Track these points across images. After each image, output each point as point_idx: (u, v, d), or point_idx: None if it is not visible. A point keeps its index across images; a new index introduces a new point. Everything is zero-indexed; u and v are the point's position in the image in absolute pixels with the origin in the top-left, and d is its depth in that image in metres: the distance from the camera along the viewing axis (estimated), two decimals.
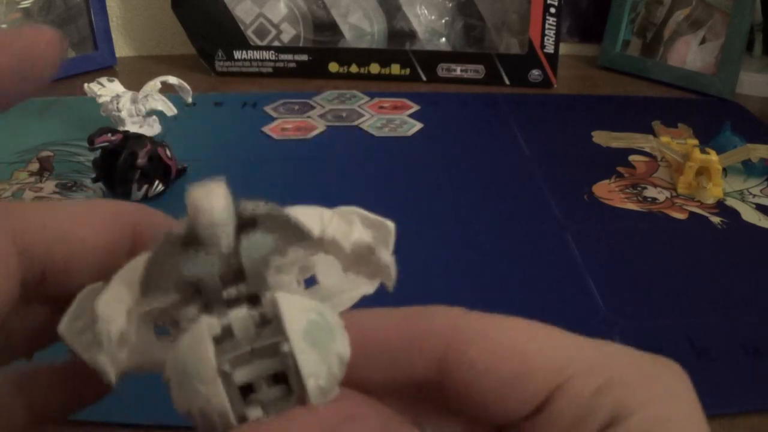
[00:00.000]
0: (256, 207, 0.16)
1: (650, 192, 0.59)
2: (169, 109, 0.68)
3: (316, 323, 0.16)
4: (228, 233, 0.16)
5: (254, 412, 0.15)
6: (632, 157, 0.66)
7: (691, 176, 0.59)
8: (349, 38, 0.88)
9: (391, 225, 0.18)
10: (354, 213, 0.18)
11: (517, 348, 0.16)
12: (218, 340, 0.15)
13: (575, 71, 0.91)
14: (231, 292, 0.16)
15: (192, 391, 0.15)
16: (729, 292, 0.47)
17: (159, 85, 0.67)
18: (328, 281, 0.19)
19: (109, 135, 0.55)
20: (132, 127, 0.65)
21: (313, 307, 0.16)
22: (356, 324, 0.17)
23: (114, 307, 0.16)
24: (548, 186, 0.60)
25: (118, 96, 0.66)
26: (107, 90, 0.66)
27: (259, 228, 0.16)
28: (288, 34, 0.88)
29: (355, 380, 0.16)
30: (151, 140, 0.56)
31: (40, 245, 0.18)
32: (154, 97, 0.67)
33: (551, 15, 0.82)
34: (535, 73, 0.84)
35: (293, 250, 0.17)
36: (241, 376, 0.15)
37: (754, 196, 0.60)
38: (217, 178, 0.15)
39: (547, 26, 0.83)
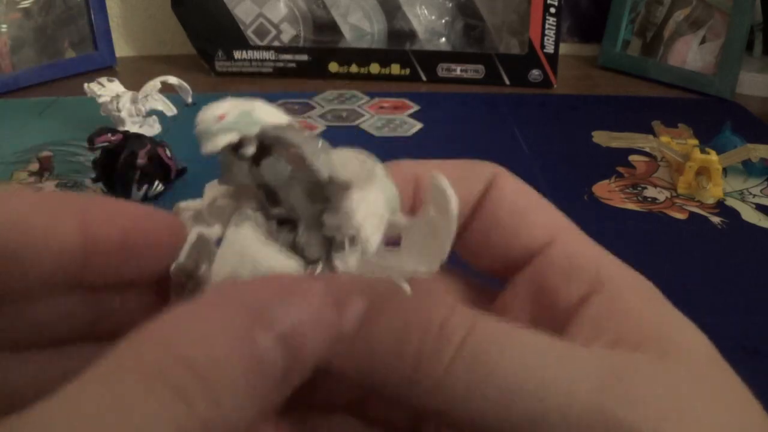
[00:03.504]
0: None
1: (650, 192, 0.59)
2: (169, 109, 0.68)
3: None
4: None
5: None
6: (632, 157, 0.66)
7: (691, 176, 0.59)
8: (349, 38, 0.88)
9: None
10: None
11: (534, 198, 0.21)
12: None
13: (575, 71, 0.91)
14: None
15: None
16: (729, 292, 0.47)
17: (159, 85, 0.67)
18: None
19: (109, 135, 0.55)
20: (132, 127, 0.65)
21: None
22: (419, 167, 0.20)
23: None
24: (548, 186, 0.60)
25: (118, 96, 0.66)
26: (107, 90, 0.66)
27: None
28: (288, 34, 0.88)
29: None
30: (151, 140, 0.56)
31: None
32: (154, 97, 0.67)
33: (551, 15, 0.82)
34: (535, 73, 0.84)
35: None
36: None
37: (754, 196, 0.60)
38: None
39: (547, 26, 0.83)
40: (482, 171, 0.21)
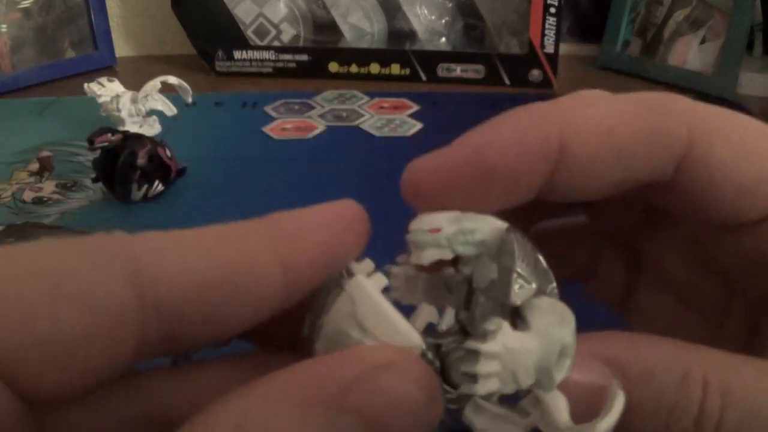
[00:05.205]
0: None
1: None
2: (169, 109, 0.68)
3: None
4: None
5: None
6: None
7: None
8: (349, 38, 0.88)
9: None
10: None
11: (761, 150, 0.16)
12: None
13: (575, 71, 0.91)
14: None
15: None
16: None
17: (159, 85, 0.67)
18: None
19: (109, 135, 0.55)
20: (132, 127, 0.65)
21: None
22: (596, 119, 0.17)
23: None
24: None
25: (118, 96, 0.66)
26: (107, 90, 0.66)
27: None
28: (288, 34, 0.88)
29: (593, 179, 0.17)
30: (151, 140, 0.56)
31: (172, 295, 0.14)
32: (154, 97, 0.67)
33: (551, 15, 0.82)
34: (535, 73, 0.84)
35: None
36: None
37: None
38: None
39: (547, 26, 0.83)
40: (675, 132, 0.17)
